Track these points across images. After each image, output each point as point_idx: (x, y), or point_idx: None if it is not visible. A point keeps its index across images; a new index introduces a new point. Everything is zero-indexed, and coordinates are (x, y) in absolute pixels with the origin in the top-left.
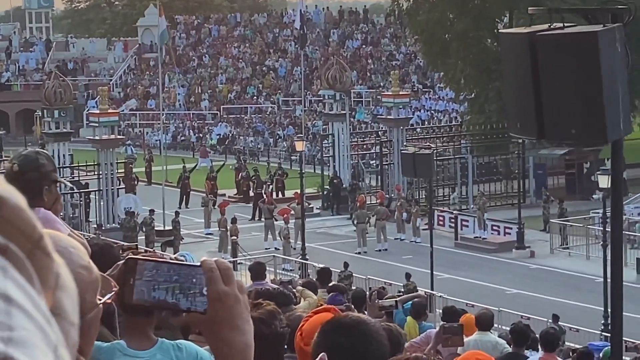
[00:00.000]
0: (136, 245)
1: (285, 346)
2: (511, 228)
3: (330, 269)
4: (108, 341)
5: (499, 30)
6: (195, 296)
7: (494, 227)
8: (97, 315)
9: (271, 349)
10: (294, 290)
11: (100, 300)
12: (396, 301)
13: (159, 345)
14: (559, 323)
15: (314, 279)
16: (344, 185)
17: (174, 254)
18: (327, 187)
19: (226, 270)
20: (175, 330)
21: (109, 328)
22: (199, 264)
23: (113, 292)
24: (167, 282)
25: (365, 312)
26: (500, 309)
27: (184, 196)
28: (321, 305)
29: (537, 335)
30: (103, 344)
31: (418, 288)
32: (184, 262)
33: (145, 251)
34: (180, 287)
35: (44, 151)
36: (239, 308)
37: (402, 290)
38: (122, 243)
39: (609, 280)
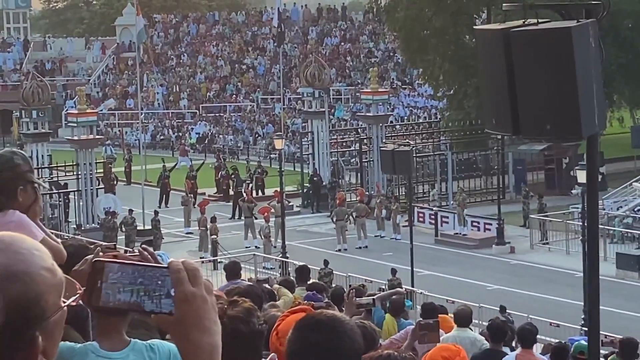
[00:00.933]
0: (114, 244)
1: None
2: (491, 224)
3: (309, 266)
4: None
5: (474, 27)
6: (160, 298)
7: (474, 223)
8: (62, 318)
9: (250, 347)
10: (271, 288)
11: (64, 302)
12: (373, 299)
13: (132, 346)
14: (508, 311)
15: (292, 277)
16: (324, 183)
17: None
18: (307, 185)
19: (193, 272)
20: (153, 329)
21: (82, 333)
22: (165, 266)
23: (78, 295)
24: (132, 284)
25: (343, 310)
26: (481, 305)
27: (164, 195)
28: (298, 303)
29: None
30: (76, 345)
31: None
32: (151, 264)
33: (125, 251)
34: (145, 289)
35: (21, 152)
36: (206, 309)
37: (385, 285)
38: (101, 243)
39: None
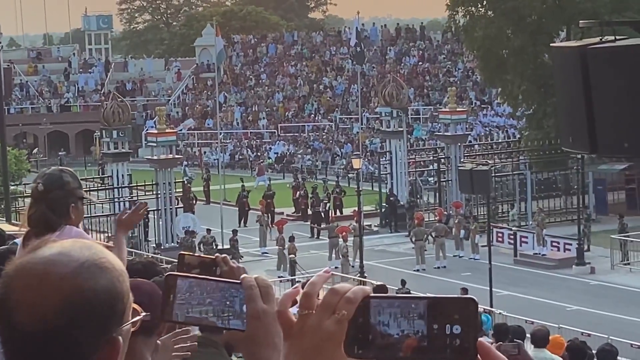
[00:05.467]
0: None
1: None
2: (571, 244)
3: (387, 286)
4: None
5: (550, 45)
6: (229, 319)
7: (554, 244)
8: (128, 333)
9: None
10: None
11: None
12: None
13: None
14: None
15: None
16: (400, 203)
17: None
18: (385, 204)
19: (266, 288)
20: (221, 348)
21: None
22: (238, 281)
23: (142, 316)
24: (200, 304)
25: None
26: (561, 325)
27: (243, 215)
28: None
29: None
30: None
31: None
32: (223, 279)
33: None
34: (213, 309)
35: (68, 169)
36: (277, 327)
37: None
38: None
39: None
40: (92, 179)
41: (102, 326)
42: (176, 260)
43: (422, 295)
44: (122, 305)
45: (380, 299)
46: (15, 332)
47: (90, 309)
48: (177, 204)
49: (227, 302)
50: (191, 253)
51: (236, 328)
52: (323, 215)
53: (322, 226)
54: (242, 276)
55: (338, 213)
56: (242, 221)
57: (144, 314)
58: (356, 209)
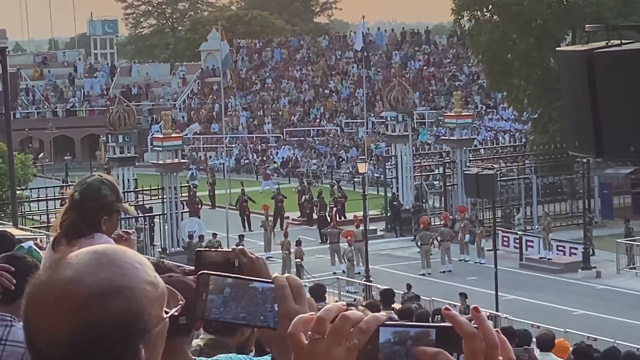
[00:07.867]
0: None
1: None
2: (577, 248)
3: (394, 290)
4: None
5: (557, 49)
6: (256, 322)
7: (559, 248)
8: (164, 329)
9: None
10: None
11: (167, 313)
12: None
13: None
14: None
15: (378, 301)
16: (404, 207)
17: None
18: (390, 209)
19: (297, 288)
20: (231, 350)
21: None
22: (270, 281)
23: (180, 306)
24: (225, 311)
25: None
26: (567, 330)
27: (244, 219)
28: None
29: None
30: None
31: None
32: (255, 278)
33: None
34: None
35: (110, 179)
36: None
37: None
38: (185, 266)
39: None
40: None
41: (118, 347)
42: (181, 265)
43: (431, 324)
44: (144, 320)
45: (390, 327)
46: (38, 356)
47: (102, 338)
48: (183, 209)
49: (262, 317)
50: (208, 249)
51: (265, 326)
52: (329, 220)
53: (327, 230)
54: (273, 275)
55: (342, 218)
56: (247, 225)
57: (181, 303)
58: (357, 213)
